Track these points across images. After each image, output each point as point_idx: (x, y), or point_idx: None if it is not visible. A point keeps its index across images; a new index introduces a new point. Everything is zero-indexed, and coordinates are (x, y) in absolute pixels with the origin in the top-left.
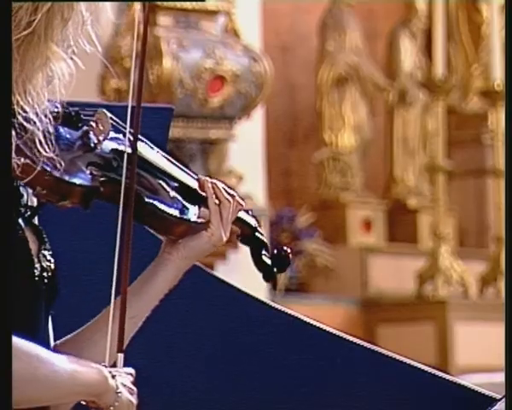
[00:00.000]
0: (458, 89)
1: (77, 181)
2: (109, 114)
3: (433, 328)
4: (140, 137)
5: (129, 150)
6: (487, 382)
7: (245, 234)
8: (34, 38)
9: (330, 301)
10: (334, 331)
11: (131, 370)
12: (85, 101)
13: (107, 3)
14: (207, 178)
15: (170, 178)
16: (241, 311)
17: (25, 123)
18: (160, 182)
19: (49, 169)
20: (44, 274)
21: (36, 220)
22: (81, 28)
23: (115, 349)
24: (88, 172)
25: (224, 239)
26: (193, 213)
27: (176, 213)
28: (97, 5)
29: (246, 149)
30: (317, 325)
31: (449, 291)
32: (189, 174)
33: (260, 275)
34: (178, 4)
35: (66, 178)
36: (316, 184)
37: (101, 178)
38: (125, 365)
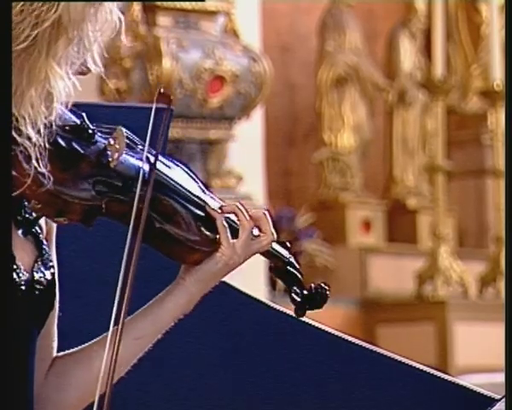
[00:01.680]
0: (458, 89)
1: (77, 198)
2: (126, 133)
3: (433, 328)
4: (164, 159)
5: (146, 169)
6: (487, 382)
7: (277, 267)
8: (34, 53)
9: (330, 302)
10: (334, 332)
11: None
12: (85, 101)
13: (117, 21)
14: (234, 204)
15: (189, 202)
16: (240, 311)
17: (16, 136)
18: (176, 206)
19: (45, 182)
20: (36, 286)
21: (37, 230)
22: (88, 48)
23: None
24: (94, 189)
25: (239, 260)
26: (211, 242)
27: (189, 240)
28: (106, 23)
29: (245, 150)
30: (317, 325)
31: (448, 291)
32: (214, 199)
33: (260, 275)
34: (178, 4)
35: (65, 194)
36: (315, 184)
37: (107, 198)
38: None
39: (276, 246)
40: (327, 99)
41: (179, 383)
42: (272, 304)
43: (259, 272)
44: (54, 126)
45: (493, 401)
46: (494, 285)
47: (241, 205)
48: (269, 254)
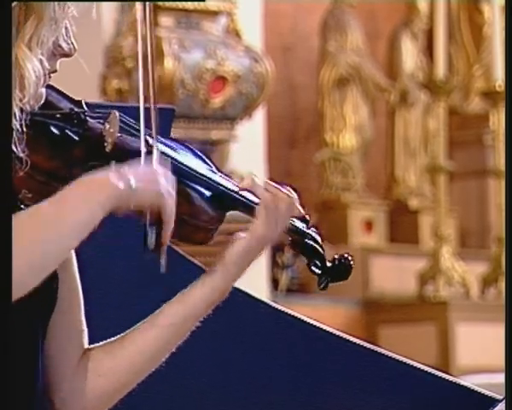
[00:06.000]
0: (460, 89)
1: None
2: (121, 116)
3: (435, 329)
4: (167, 141)
5: (143, 151)
6: (488, 382)
7: (295, 241)
8: None
9: (331, 302)
10: (335, 332)
11: (152, 165)
12: (86, 101)
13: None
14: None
15: (192, 180)
16: (241, 311)
17: None
18: (178, 186)
19: (33, 173)
20: None
21: None
22: (56, 28)
23: None
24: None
25: (274, 236)
26: (220, 220)
27: (194, 219)
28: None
29: (247, 150)
30: (318, 325)
31: (450, 292)
32: (224, 178)
33: (260, 275)
34: (180, 5)
35: (57, 181)
36: (317, 184)
37: None
38: None
39: (294, 220)
40: (329, 99)
41: (179, 382)
42: (274, 304)
43: (261, 272)
44: (32, 109)
45: (495, 402)
46: (496, 286)
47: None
48: (287, 228)
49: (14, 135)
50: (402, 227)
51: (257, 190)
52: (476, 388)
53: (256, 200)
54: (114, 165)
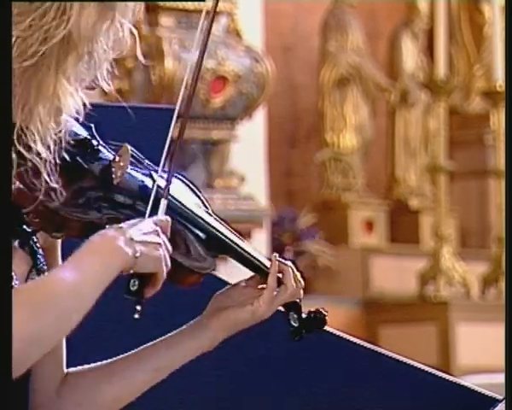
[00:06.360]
0: (460, 89)
1: (77, 214)
2: (131, 150)
3: (435, 329)
4: (162, 174)
5: (150, 185)
6: (489, 382)
7: None
8: (43, 68)
9: (332, 302)
10: (336, 332)
11: (156, 219)
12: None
13: (131, 37)
14: (279, 259)
15: (190, 222)
16: None
17: (25, 152)
18: (177, 227)
19: (44, 199)
20: None
21: (35, 240)
22: (98, 65)
23: None
24: (95, 205)
25: (267, 314)
26: (210, 264)
27: (188, 262)
28: (117, 41)
29: (247, 150)
30: None
31: (451, 292)
32: (225, 226)
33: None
34: (180, 5)
35: (65, 210)
36: (317, 184)
37: (109, 215)
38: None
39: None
40: (329, 99)
41: (176, 382)
42: None
43: None
44: (63, 142)
45: (496, 402)
46: (496, 286)
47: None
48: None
49: (48, 166)
50: (402, 227)
51: (287, 273)
52: (476, 388)
53: (246, 247)
54: (121, 213)
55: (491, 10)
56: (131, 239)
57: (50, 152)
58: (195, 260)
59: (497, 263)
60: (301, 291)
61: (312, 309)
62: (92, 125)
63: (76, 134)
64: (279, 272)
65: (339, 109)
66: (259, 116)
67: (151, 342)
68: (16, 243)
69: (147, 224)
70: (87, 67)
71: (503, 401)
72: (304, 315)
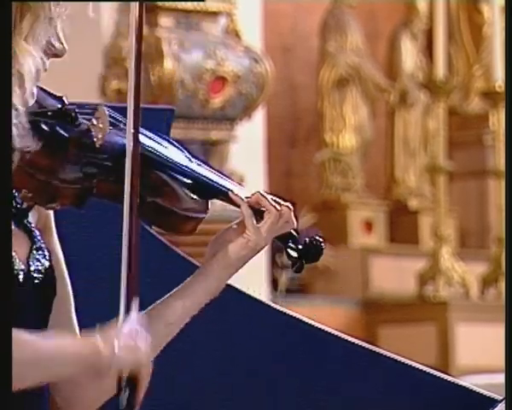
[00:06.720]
0: (459, 90)
1: (66, 182)
2: (108, 112)
3: (434, 329)
4: (147, 132)
5: (130, 148)
6: (488, 383)
7: None
8: None
9: (331, 302)
10: (335, 332)
11: (134, 324)
12: (86, 101)
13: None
14: (263, 192)
15: (176, 171)
16: (241, 312)
17: None
18: (164, 177)
19: (33, 172)
20: (35, 275)
21: (29, 220)
22: (50, 27)
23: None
24: (82, 171)
25: (264, 243)
26: (204, 209)
27: (182, 209)
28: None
29: (247, 150)
30: (318, 326)
31: (450, 292)
32: (210, 170)
33: (259, 275)
34: (179, 5)
35: (54, 179)
36: (317, 184)
37: (96, 178)
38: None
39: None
40: (328, 100)
41: (178, 383)
42: (273, 304)
43: (261, 272)
44: (36, 108)
45: (495, 402)
46: (496, 286)
47: (263, 193)
48: (261, 216)
49: (17, 129)
50: (402, 227)
51: (263, 201)
52: (476, 388)
53: (232, 186)
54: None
55: (491, 10)
56: (110, 342)
57: (19, 115)
58: (188, 205)
59: (496, 263)
60: (292, 215)
61: (307, 238)
62: (64, 97)
63: (50, 105)
64: (256, 203)
65: (338, 110)
66: (259, 116)
67: (161, 299)
68: (12, 225)
69: (125, 325)
70: (43, 27)
71: (503, 402)
72: (300, 246)
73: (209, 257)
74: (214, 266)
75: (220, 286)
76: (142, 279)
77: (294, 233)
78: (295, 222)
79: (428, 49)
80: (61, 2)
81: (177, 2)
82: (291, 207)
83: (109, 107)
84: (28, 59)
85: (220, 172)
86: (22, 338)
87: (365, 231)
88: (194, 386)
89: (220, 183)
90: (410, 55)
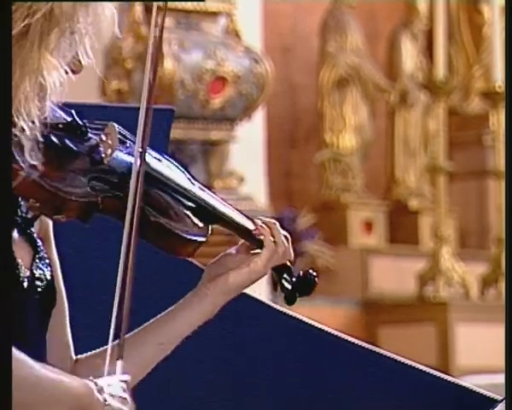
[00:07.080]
0: (459, 90)
1: (74, 195)
2: (118, 128)
3: (434, 329)
4: (154, 153)
5: (137, 167)
6: (488, 383)
7: None
8: (27, 44)
9: (331, 303)
10: (335, 333)
11: (125, 377)
12: (86, 102)
13: (110, 15)
14: (265, 219)
15: (180, 194)
16: (240, 312)
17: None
18: (168, 199)
19: (42, 182)
20: (38, 283)
21: (32, 229)
22: (79, 41)
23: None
24: (89, 186)
25: (264, 275)
26: (204, 233)
27: (184, 232)
28: (97, 17)
29: (247, 151)
30: (318, 326)
31: (450, 292)
32: (212, 196)
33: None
34: (179, 5)
35: (62, 192)
36: (317, 185)
37: (103, 194)
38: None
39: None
40: (328, 100)
41: (176, 382)
42: (273, 304)
43: None
44: (47, 121)
45: (495, 402)
46: (495, 286)
47: (265, 220)
48: (259, 245)
49: (31, 143)
50: (402, 228)
51: (265, 234)
52: (476, 388)
53: (233, 214)
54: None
55: (491, 11)
56: (102, 391)
57: (35, 129)
58: (190, 228)
59: (496, 264)
60: (291, 252)
61: (301, 271)
62: (73, 111)
63: (60, 118)
64: (259, 233)
65: (338, 110)
66: (259, 117)
67: (154, 318)
68: (16, 232)
69: (115, 379)
70: (69, 42)
71: (503, 402)
72: (294, 279)
73: (206, 280)
74: (212, 291)
75: (215, 310)
76: (142, 281)
77: (290, 265)
78: (292, 254)
79: (428, 50)
80: (88, 20)
81: (177, 3)
82: (288, 236)
83: (109, 107)
84: (53, 73)
85: (222, 199)
86: (26, 360)
87: (365, 232)
88: (194, 386)
89: (223, 211)
90: (410, 55)
